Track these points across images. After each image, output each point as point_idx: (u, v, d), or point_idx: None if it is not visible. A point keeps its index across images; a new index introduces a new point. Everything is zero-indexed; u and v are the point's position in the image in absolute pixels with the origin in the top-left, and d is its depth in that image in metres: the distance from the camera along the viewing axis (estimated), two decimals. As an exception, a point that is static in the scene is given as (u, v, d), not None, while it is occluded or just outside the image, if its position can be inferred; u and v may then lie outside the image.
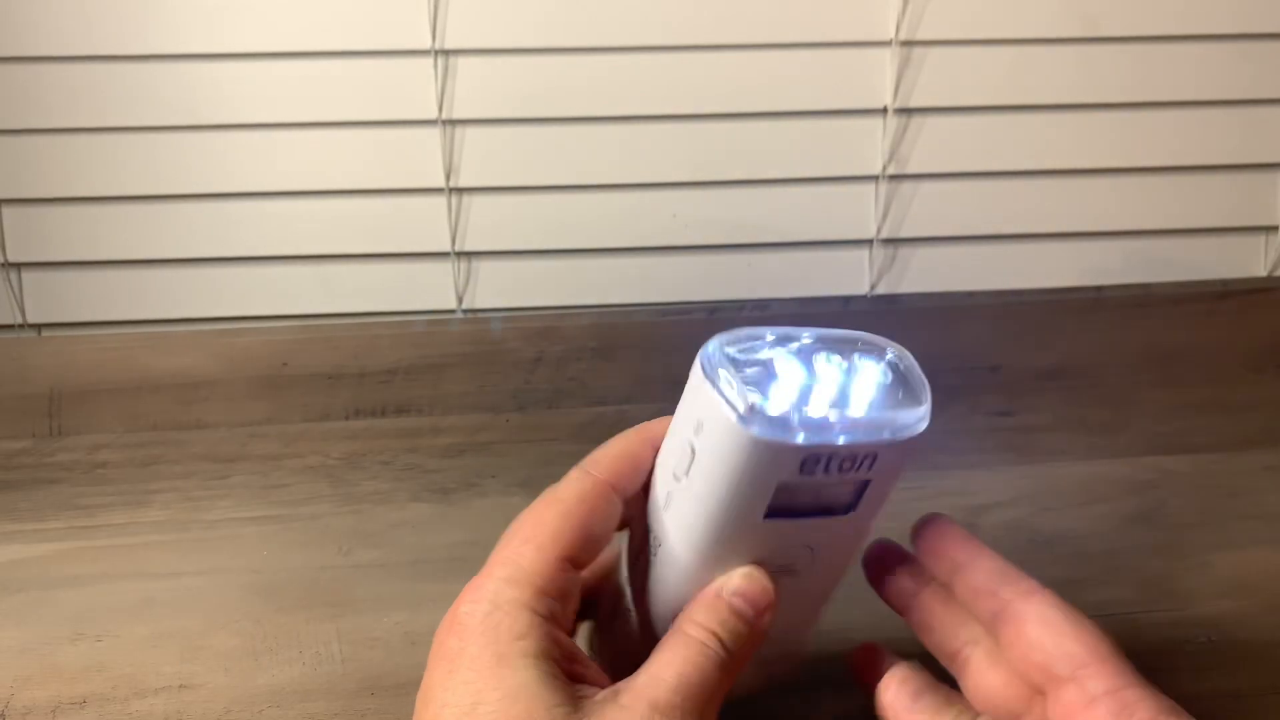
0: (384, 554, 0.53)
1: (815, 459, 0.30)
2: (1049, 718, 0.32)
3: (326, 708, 0.43)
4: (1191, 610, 0.48)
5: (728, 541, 0.32)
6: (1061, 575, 0.50)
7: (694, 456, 0.31)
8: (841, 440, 0.30)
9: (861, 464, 0.31)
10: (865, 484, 0.32)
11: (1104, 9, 0.67)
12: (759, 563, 0.33)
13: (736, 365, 0.31)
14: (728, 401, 0.29)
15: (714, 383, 0.30)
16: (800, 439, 0.29)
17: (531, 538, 0.34)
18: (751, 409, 0.29)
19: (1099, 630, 0.32)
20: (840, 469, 0.30)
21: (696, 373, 0.31)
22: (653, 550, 0.35)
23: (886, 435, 0.31)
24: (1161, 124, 0.71)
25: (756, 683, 0.36)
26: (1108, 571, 0.51)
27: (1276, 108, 0.71)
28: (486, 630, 0.32)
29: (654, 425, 0.35)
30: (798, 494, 0.31)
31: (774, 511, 0.31)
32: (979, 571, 0.34)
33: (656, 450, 0.34)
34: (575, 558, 0.34)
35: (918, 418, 0.31)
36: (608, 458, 0.35)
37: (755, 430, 0.29)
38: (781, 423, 0.29)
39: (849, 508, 0.32)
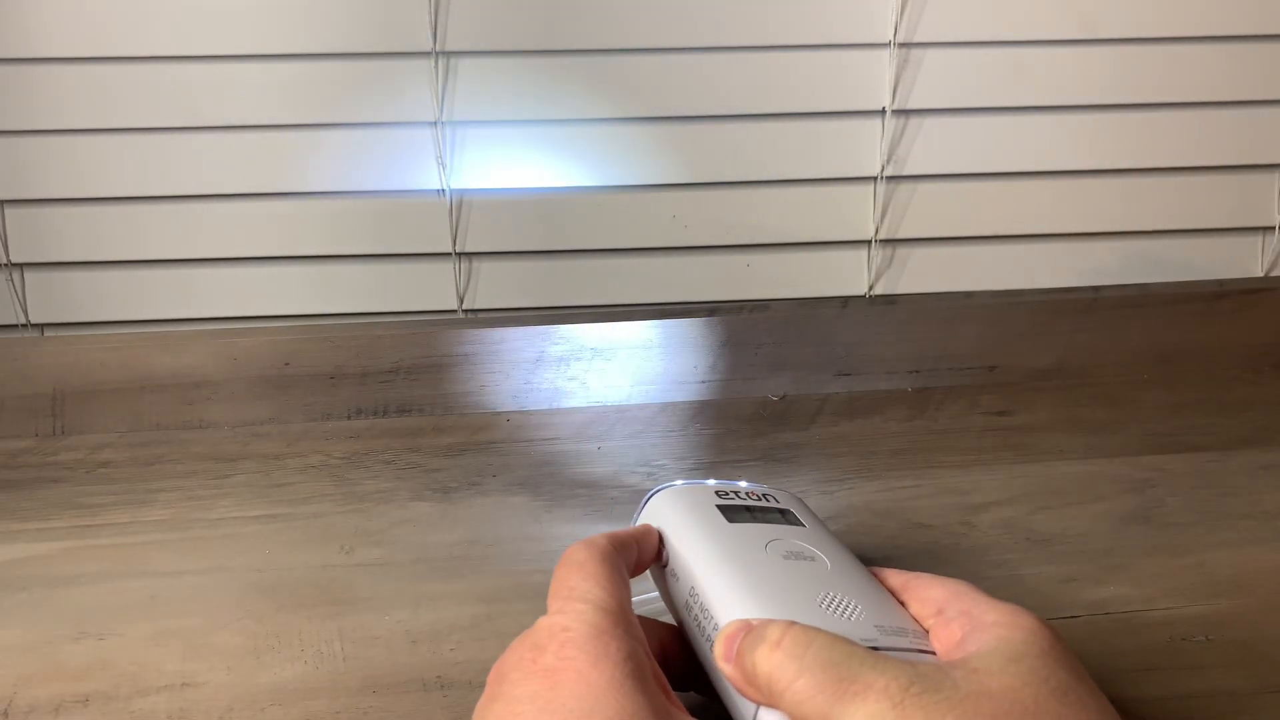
0: (386, 553, 0.53)
1: (723, 492, 0.44)
2: (937, 640, 0.36)
3: (328, 706, 0.43)
4: (1189, 609, 0.48)
5: (724, 542, 0.40)
6: (1059, 574, 0.50)
7: (668, 541, 0.41)
8: (711, 481, 0.45)
9: (764, 497, 0.44)
10: (787, 510, 0.43)
11: (1101, 10, 0.68)
12: (766, 546, 0.40)
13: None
14: (660, 490, 0.44)
15: (652, 497, 0.44)
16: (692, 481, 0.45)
17: (593, 582, 0.35)
18: (670, 484, 0.45)
19: (964, 585, 0.37)
20: (749, 495, 0.44)
21: (649, 511, 0.44)
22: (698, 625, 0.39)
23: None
24: (1159, 125, 0.71)
25: None
26: (1105, 570, 0.51)
27: (1274, 109, 0.71)
28: (596, 650, 0.32)
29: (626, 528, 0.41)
30: (744, 511, 0.42)
31: (734, 519, 0.42)
32: (889, 575, 0.40)
33: (639, 536, 0.40)
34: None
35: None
36: (603, 535, 0.38)
37: (678, 483, 0.45)
38: (685, 481, 0.45)
39: (799, 523, 0.43)
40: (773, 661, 0.32)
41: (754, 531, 0.41)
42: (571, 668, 0.32)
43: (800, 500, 0.46)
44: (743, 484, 0.45)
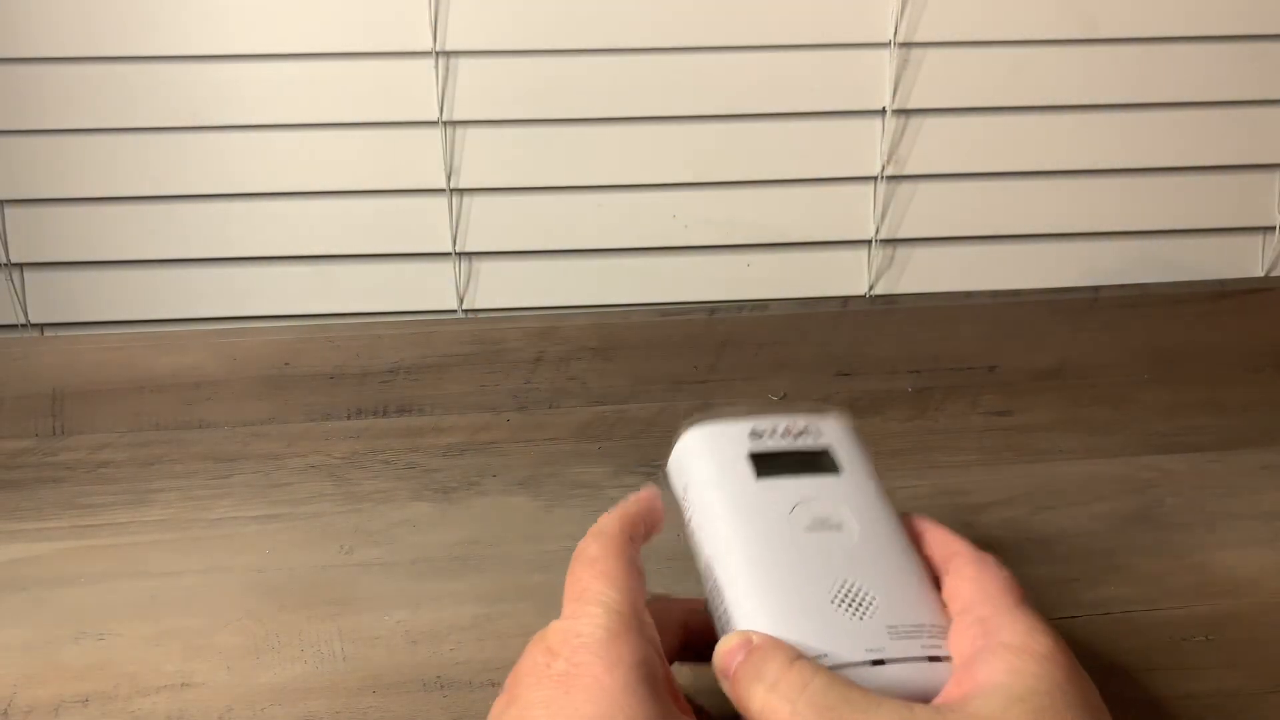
0: (385, 553, 0.53)
1: (759, 431, 0.41)
2: (954, 642, 0.35)
3: (328, 706, 0.43)
4: (1189, 609, 0.48)
5: (746, 511, 0.38)
6: (1059, 574, 0.50)
7: (691, 493, 0.39)
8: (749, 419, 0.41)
9: (804, 432, 0.41)
10: (824, 452, 0.40)
11: (1102, 10, 0.68)
12: (792, 510, 0.38)
13: None
14: (680, 439, 0.41)
15: (683, 437, 0.41)
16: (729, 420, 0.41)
17: (606, 582, 0.35)
18: (692, 425, 0.41)
19: (999, 576, 0.36)
20: (788, 432, 0.41)
21: (679, 453, 0.41)
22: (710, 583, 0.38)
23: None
24: (1159, 124, 0.71)
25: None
26: (1105, 570, 0.51)
27: (1274, 108, 0.71)
28: (609, 655, 0.32)
29: (633, 497, 0.40)
30: (779, 461, 0.40)
31: (766, 473, 0.39)
32: (933, 541, 0.39)
33: (646, 510, 0.39)
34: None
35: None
36: (614, 519, 0.38)
37: (699, 426, 0.41)
38: (711, 419, 0.41)
39: (834, 469, 0.40)
40: (768, 703, 0.32)
41: (782, 491, 0.39)
42: (586, 673, 0.32)
43: (844, 430, 0.42)
44: (784, 419, 0.42)
